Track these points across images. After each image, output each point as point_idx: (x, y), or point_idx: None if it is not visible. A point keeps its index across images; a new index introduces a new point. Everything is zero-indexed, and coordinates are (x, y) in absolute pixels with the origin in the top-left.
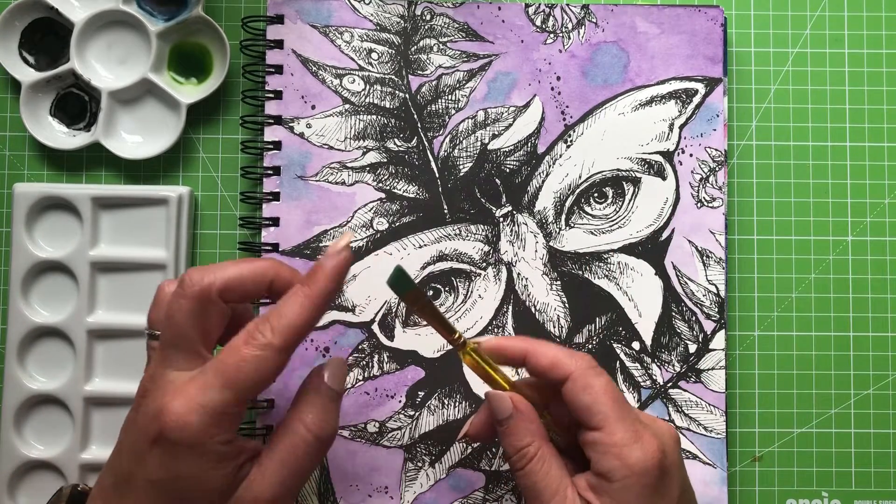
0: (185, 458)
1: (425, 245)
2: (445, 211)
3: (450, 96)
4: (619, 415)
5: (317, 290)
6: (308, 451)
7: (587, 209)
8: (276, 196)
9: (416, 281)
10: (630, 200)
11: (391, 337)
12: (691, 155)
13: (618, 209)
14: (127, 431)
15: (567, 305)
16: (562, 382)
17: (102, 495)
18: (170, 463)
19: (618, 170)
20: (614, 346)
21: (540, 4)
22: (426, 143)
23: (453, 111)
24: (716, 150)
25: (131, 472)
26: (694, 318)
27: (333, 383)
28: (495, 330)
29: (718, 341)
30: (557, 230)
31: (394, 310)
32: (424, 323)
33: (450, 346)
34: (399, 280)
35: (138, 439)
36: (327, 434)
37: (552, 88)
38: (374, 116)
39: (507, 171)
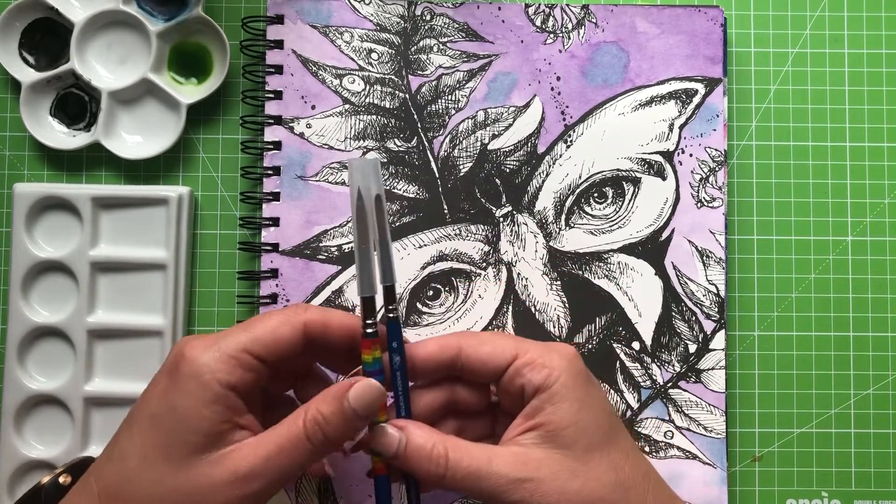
0: (185, 388)
1: (425, 245)
2: (445, 211)
3: (450, 96)
4: (521, 342)
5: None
6: (297, 449)
7: (587, 209)
8: (276, 196)
9: (417, 281)
10: (630, 200)
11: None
12: (691, 155)
13: (618, 209)
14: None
15: (567, 305)
16: (454, 359)
17: (107, 446)
18: (170, 392)
19: (618, 170)
20: (614, 346)
21: (540, 4)
22: (426, 143)
23: (453, 111)
24: (716, 150)
25: (137, 410)
26: (694, 318)
27: (355, 402)
28: (495, 330)
29: (718, 341)
30: (557, 230)
31: None
32: (425, 323)
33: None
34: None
35: (155, 377)
36: (319, 442)
37: (552, 88)
38: (374, 116)
39: (507, 171)
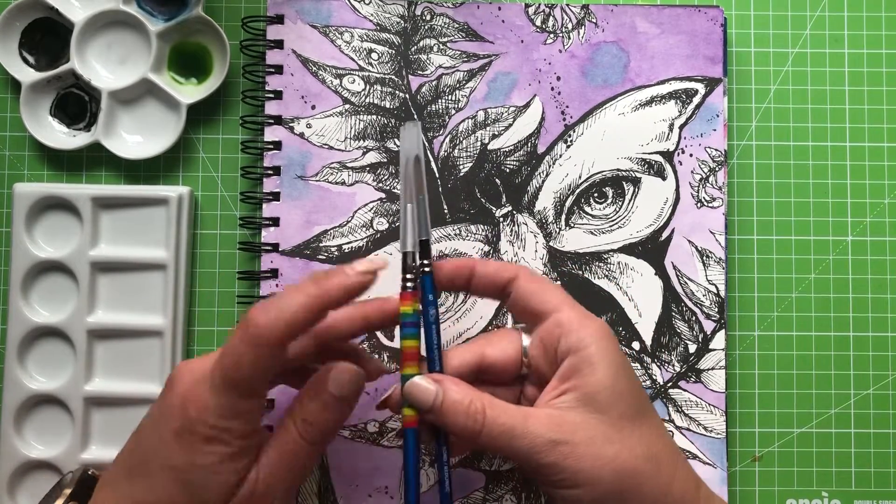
0: (205, 450)
1: None
2: (445, 211)
3: (450, 96)
4: (566, 298)
5: (322, 290)
6: (298, 452)
7: (587, 209)
8: (276, 196)
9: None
10: (630, 200)
11: (391, 337)
12: (691, 155)
13: (618, 209)
14: (151, 419)
15: None
16: (508, 285)
17: (112, 481)
18: (190, 452)
19: (618, 170)
20: None
21: (540, 4)
22: (426, 143)
23: (453, 111)
24: (716, 150)
25: (148, 459)
26: (694, 318)
27: (335, 388)
28: (495, 330)
29: (718, 341)
30: (557, 230)
31: None
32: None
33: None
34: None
35: (161, 428)
36: (314, 438)
37: (552, 88)
38: (375, 116)
39: (507, 171)
